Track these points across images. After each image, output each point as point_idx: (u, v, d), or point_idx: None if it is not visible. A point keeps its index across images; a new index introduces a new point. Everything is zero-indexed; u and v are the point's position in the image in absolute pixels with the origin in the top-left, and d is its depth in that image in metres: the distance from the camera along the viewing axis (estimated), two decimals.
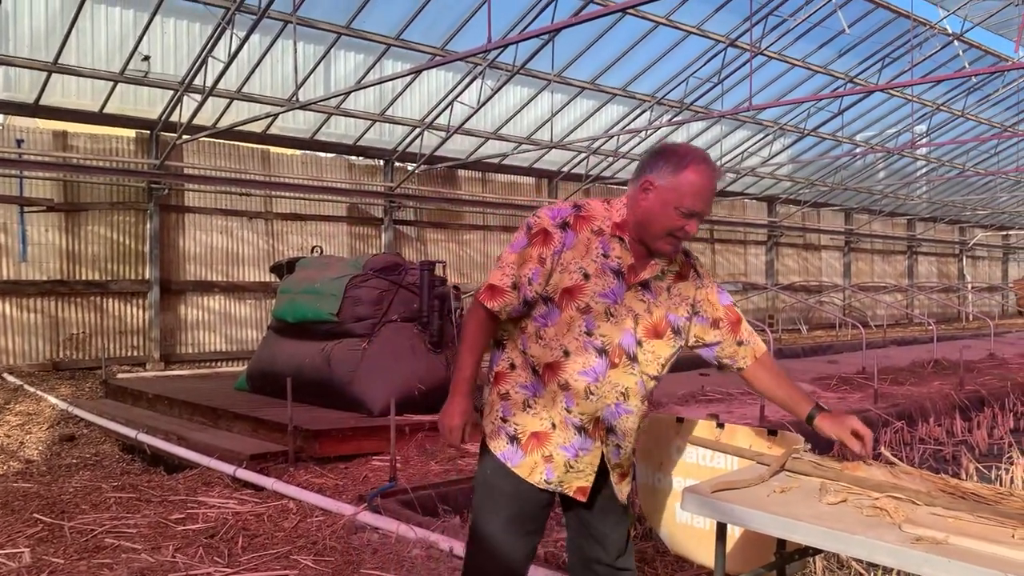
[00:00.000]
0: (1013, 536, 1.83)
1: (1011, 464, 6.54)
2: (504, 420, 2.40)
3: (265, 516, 4.78)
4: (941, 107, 18.19)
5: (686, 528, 3.03)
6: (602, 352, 2.31)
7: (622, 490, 2.50)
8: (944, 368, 11.84)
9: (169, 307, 12.49)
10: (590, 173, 17.24)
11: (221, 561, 4.07)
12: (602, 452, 2.40)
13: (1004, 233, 32.00)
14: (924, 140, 19.63)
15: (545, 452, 2.36)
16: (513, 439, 2.37)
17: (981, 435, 7.90)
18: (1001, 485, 6.10)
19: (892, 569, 2.50)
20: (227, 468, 5.69)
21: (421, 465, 5.89)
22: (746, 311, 20.23)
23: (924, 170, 22.99)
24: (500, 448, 2.39)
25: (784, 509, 2.05)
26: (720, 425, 2.95)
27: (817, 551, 2.53)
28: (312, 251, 11.99)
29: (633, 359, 2.34)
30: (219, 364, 12.84)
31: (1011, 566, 1.67)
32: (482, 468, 2.47)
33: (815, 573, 3.94)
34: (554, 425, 2.36)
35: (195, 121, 11.64)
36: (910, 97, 17.43)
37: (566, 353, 2.31)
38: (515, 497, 2.39)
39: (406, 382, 6.81)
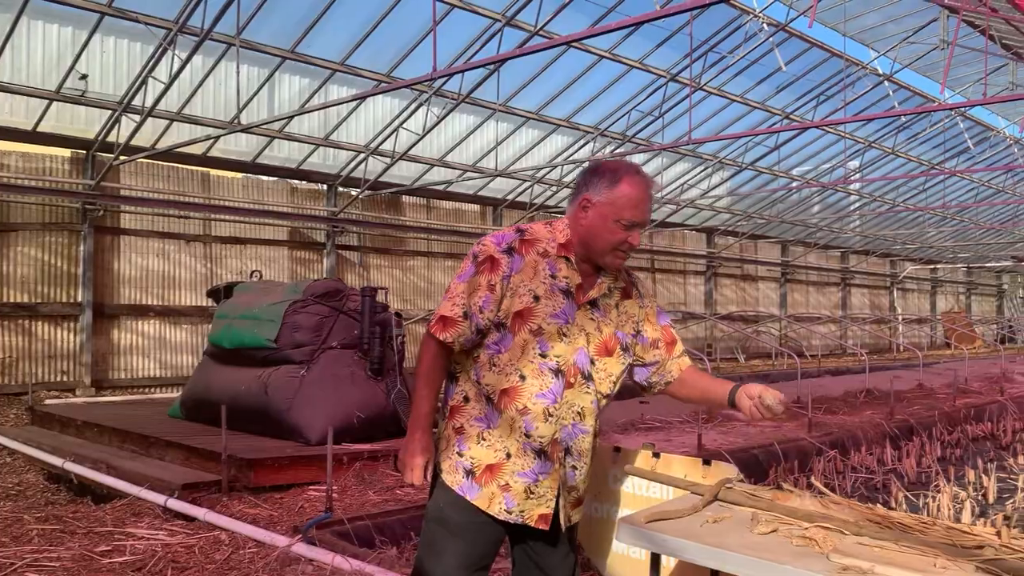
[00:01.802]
0: (935, 565, 1.88)
1: (938, 492, 6.74)
2: (460, 454, 2.38)
3: (196, 548, 4.65)
4: (872, 144, 18.81)
5: (623, 558, 3.04)
6: (558, 372, 2.32)
7: (573, 517, 2.50)
8: (876, 398, 12.14)
9: (101, 331, 12.15)
10: (534, 201, 17.37)
11: None
12: (559, 478, 2.40)
13: (932, 267, 33.10)
14: (856, 176, 20.25)
15: (501, 482, 2.34)
16: (469, 473, 2.35)
17: (910, 463, 8.12)
18: (928, 513, 6.28)
19: None
20: (158, 498, 5.53)
21: (359, 495, 5.80)
22: (685, 340, 20.49)
23: (856, 205, 23.69)
24: (457, 482, 2.37)
25: (716, 539, 2.07)
26: (656, 455, 2.98)
27: None
28: (251, 275, 11.80)
29: (588, 378, 2.36)
30: (153, 390, 12.51)
31: None
32: (435, 502, 2.43)
33: None
34: (509, 455, 2.34)
35: (133, 142, 11.41)
36: (843, 134, 18.01)
37: (522, 377, 2.32)
38: (469, 531, 2.36)
39: (345, 410, 6.72)
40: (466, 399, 2.40)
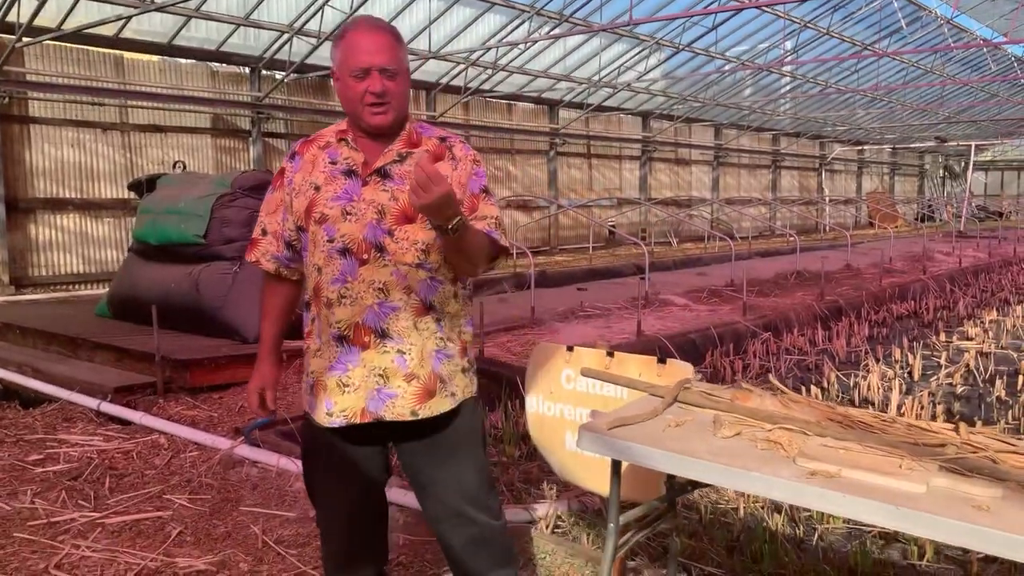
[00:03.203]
0: (900, 466, 1.87)
1: (867, 372, 6.97)
2: (306, 374, 2.27)
3: (134, 453, 4.54)
4: (808, 24, 18.63)
5: (575, 456, 3.03)
6: (345, 252, 2.16)
7: (431, 408, 2.18)
8: (806, 279, 12.43)
9: (17, 226, 11.55)
10: (468, 85, 16.86)
11: (87, 505, 3.83)
12: (381, 364, 2.15)
13: (859, 148, 33.64)
14: (792, 57, 20.13)
15: (322, 384, 2.18)
16: (310, 389, 2.23)
17: (840, 344, 8.35)
18: (859, 393, 6.49)
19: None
20: (90, 402, 5.36)
21: (300, 392, 5.70)
22: (620, 225, 20.65)
23: (789, 87, 23.68)
24: (305, 403, 2.29)
25: (680, 445, 2.03)
26: (610, 354, 2.93)
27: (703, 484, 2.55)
28: (174, 167, 11.29)
29: (382, 250, 2.15)
30: (77, 287, 12.06)
31: (902, 498, 1.70)
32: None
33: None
34: (322, 354, 2.20)
35: (37, 22, 10.56)
36: (780, 14, 17.76)
37: (319, 270, 2.19)
38: (318, 447, 2.28)
39: None
40: (312, 320, 2.27)
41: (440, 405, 2.20)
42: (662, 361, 2.77)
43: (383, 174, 2.18)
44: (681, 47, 17.90)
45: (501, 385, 5.73)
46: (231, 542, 3.45)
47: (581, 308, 9.41)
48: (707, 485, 2.29)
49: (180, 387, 5.67)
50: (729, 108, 23.37)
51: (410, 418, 2.16)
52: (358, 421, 2.15)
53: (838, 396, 6.46)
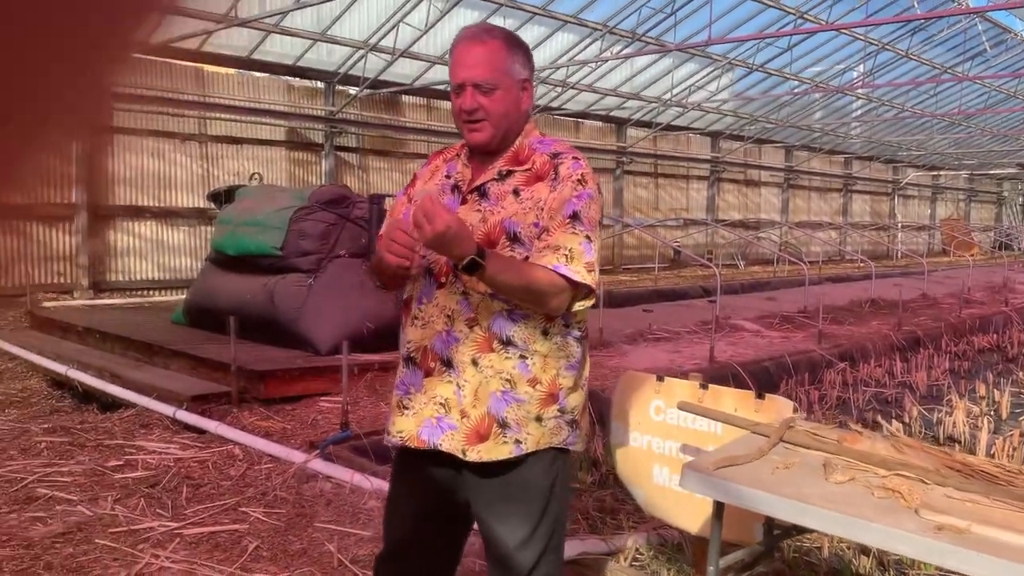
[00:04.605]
0: None
1: (951, 408, 6.69)
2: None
3: (210, 463, 4.57)
4: (886, 46, 18.20)
5: (663, 491, 2.93)
6: (428, 272, 2.07)
7: (480, 453, 1.99)
8: (880, 307, 12.07)
9: (97, 232, 11.90)
10: (538, 103, 16.88)
11: (165, 513, 3.86)
12: (443, 393, 2.02)
13: (934, 173, 32.73)
14: (867, 79, 19.68)
15: (392, 398, 2.14)
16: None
17: (920, 376, 8.05)
18: (944, 429, 6.24)
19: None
20: (167, 409, 5.42)
21: (371, 407, 5.71)
22: (686, 246, 20.41)
23: (863, 109, 23.17)
24: None
25: (791, 490, 1.93)
26: (704, 386, 2.83)
27: (811, 530, 2.43)
28: (251, 178, 11.51)
29: (458, 275, 2.02)
30: (152, 293, 12.36)
31: None
32: None
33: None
34: (399, 365, 2.14)
35: None
36: (858, 36, 17.40)
37: (413, 285, 2.12)
38: (396, 458, 2.20)
39: (355, 320, 6.57)
40: (400, 327, 2.22)
41: (494, 451, 1.99)
42: (760, 396, 2.66)
43: (481, 193, 2.09)
44: (754, 67, 17.65)
45: None
46: (307, 559, 3.43)
47: (649, 330, 9.27)
48: (815, 531, 2.18)
49: (254, 397, 5.71)
50: (801, 129, 22.96)
51: (461, 457, 2.00)
52: (413, 446, 2.05)
53: (921, 432, 6.21)
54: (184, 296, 8.73)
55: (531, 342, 2.01)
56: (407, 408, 2.07)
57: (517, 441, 2.00)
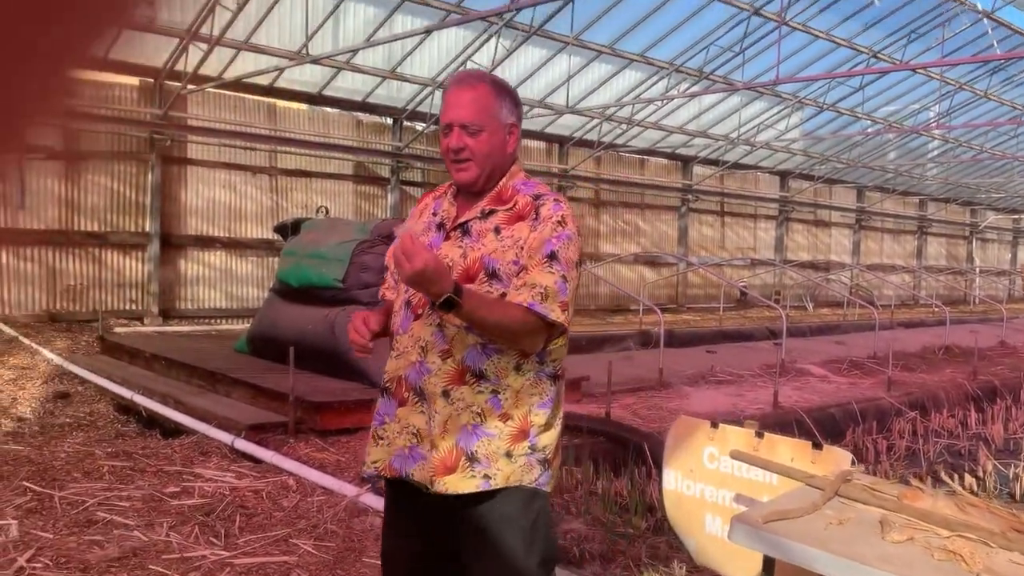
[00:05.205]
0: None
1: None
2: None
3: (264, 493, 4.60)
4: (964, 86, 17.77)
5: (715, 541, 2.84)
6: (407, 304, 2.12)
7: (447, 485, 1.99)
8: (955, 355, 11.64)
9: (169, 261, 12.25)
10: (602, 140, 16.90)
11: (218, 543, 3.89)
12: (415, 423, 2.04)
13: (1015, 216, 31.67)
14: (942, 120, 19.22)
15: (370, 433, 2.19)
16: None
17: (996, 429, 7.73)
18: (1019, 485, 5.94)
19: None
20: (225, 437, 5.50)
21: None
22: (752, 286, 20.05)
23: (939, 150, 22.60)
24: None
25: (846, 548, 1.84)
26: (759, 434, 2.75)
27: None
28: (317, 211, 11.73)
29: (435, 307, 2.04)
30: (219, 321, 12.64)
31: None
32: None
33: None
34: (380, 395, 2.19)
35: (200, 71, 11.30)
36: (934, 75, 17.03)
37: (395, 316, 2.18)
38: (385, 506, 2.30)
39: None
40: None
41: (460, 484, 2.00)
42: (818, 446, 2.57)
43: (464, 230, 2.13)
44: (825, 106, 17.40)
45: (628, 450, 5.55)
46: None
47: (711, 372, 9.10)
48: None
49: (310, 428, 5.76)
50: (873, 170, 22.48)
51: (429, 487, 2.01)
52: (388, 475, 2.09)
53: (995, 488, 5.93)
54: (248, 325, 8.91)
55: (504, 376, 2.04)
56: (381, 438, 2.12)
57: (486, 476, 2.01)
